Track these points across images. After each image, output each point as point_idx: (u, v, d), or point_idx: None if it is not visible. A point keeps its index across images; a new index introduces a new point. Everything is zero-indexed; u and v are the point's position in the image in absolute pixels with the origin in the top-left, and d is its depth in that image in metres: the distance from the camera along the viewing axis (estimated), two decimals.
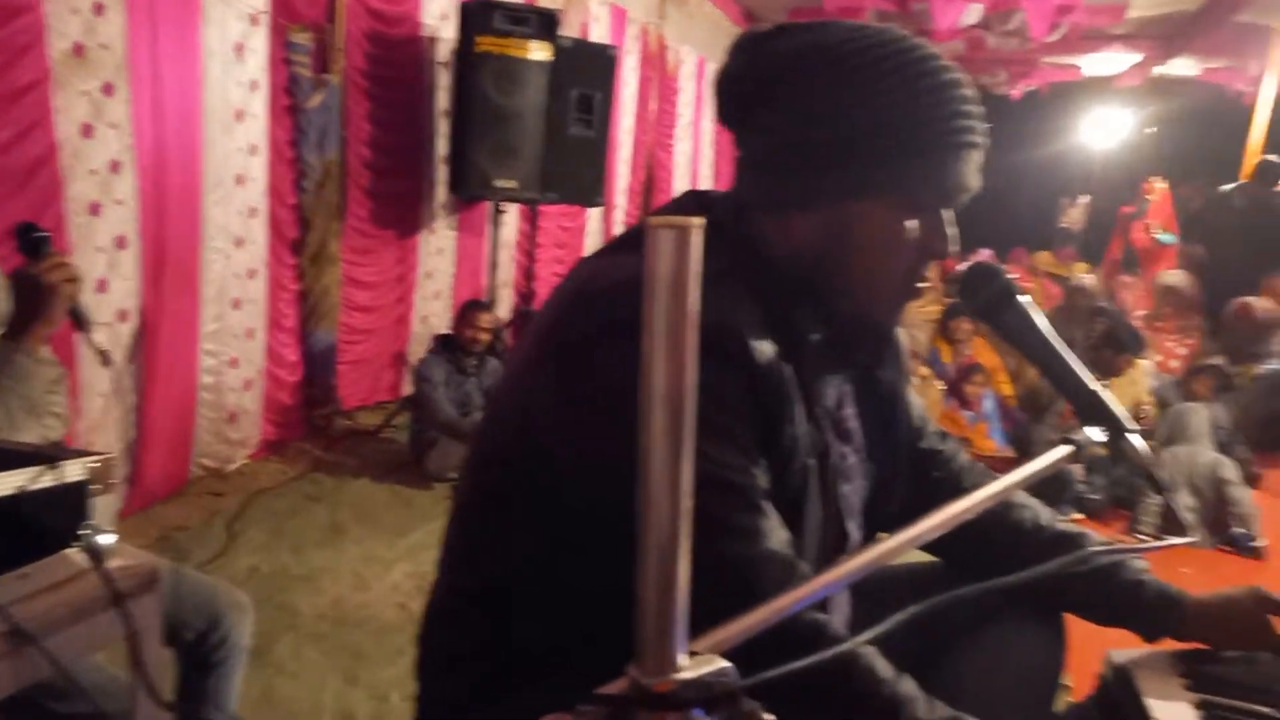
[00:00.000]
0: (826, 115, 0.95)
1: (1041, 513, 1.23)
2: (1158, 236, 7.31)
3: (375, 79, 4.23)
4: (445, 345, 4.12)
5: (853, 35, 0.96)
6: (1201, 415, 4.28)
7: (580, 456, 0.92)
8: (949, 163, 0.95)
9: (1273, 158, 5.05)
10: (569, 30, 4.81)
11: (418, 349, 4.61)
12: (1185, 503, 3.99)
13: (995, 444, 4.76)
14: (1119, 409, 0.86)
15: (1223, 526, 3.96)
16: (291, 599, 2.78)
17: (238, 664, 1.67)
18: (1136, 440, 0.86)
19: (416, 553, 3.15)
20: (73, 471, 1.17)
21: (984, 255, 8.20)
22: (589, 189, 4.81)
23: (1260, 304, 5.53)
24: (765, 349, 0.92)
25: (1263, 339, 5.48)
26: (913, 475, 1.19)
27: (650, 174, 7.10)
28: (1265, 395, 5.28)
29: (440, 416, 3.87)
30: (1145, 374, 4.83)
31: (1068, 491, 4.18)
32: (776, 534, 0.90)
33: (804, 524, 0.97)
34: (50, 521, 1.16)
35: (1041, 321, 0.95)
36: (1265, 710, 1.09)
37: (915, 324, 5.02)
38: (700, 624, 0.57)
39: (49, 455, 1.17)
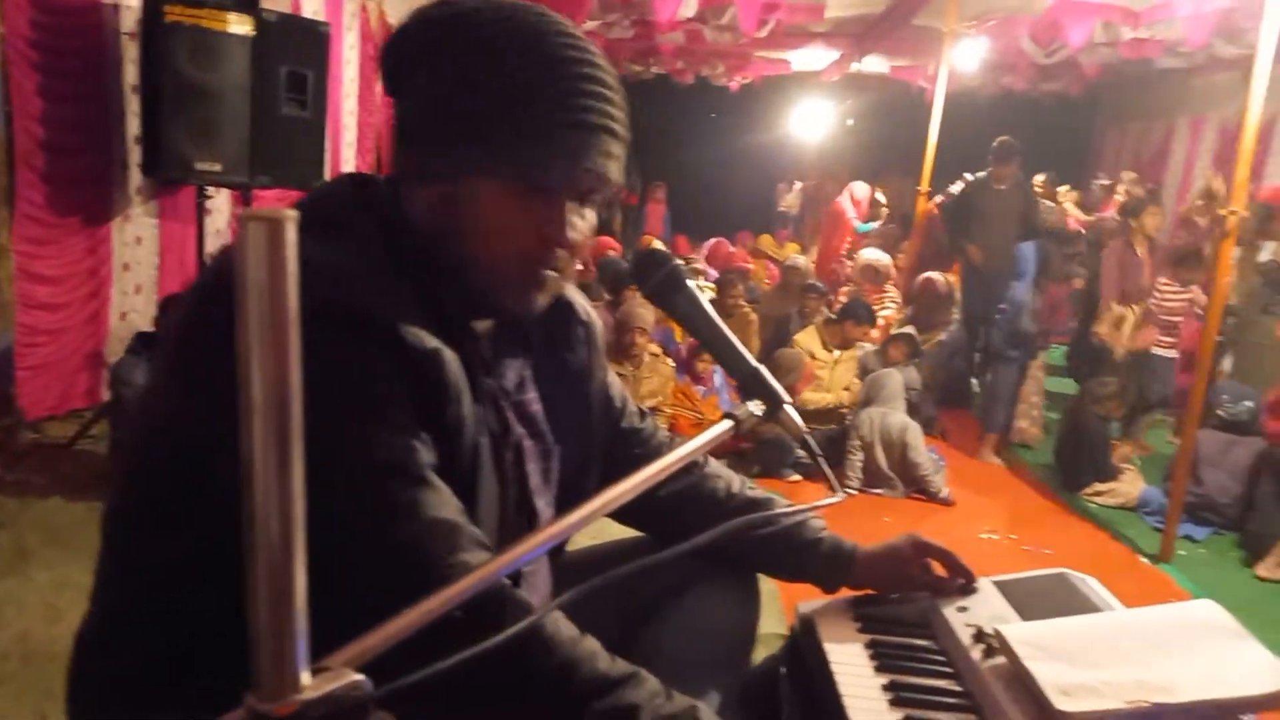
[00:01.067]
0: (449, 89, 0.94)
1: (734, 482, 1.31)
2: (858, 227, 8.12)
3: (45, 48, 3.74)
4: (148, 344, 3.75)
5: (486, 7, 0.95)
6: (896, 379, 4.76)
7: (222, 455, 0.85)
8: (567, 147, 0.94)
9: (1007, 138, 5.59)
10: (276, 5, 4.50)
11: (117, 349, 4.17)
12: (880, 458, 4.46)
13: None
14: (776, 384, 0.93)
15: (914, 478, 4.46)
16: None
17: None
18: (790, 411, 0.93)
19: None
20: None
21: (714, 241, 8.72)
22: (307, 173, 4.52)
23: (940, 278, 6.22)
24: (417, 332, 0.90)
25: (944, 309, 6.19)
26: (615, 453, 1.22)
27: (380, 157, 6.83)
28: (946, 359, 5.98)
29: None
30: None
31: (788, 457, 4.56)
32: (445, 504, 0.88)
33: (478, 502, 0.96)
34: None
35: (707, 306, 1.00)
36: (920, 643, 1.24)
37: (645, 305, 5.18)
38: (386, 611, 0.57)
39: None
